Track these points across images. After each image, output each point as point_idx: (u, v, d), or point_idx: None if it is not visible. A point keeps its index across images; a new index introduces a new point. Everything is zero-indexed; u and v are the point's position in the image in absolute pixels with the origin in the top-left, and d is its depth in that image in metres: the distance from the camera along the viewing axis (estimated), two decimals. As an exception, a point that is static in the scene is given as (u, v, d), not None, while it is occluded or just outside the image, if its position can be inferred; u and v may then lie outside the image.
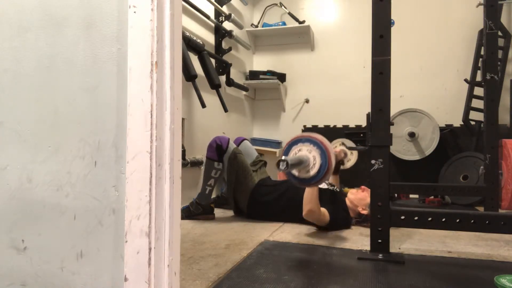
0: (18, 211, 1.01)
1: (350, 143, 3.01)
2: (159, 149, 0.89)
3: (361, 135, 3.59)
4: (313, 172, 1.41)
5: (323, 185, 2.31)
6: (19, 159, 1.02)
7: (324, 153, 1.41)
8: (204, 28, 3.16)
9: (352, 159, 2.99)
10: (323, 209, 2.04)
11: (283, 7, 4.01)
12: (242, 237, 1.94)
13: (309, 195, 1.97)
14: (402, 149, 3.35)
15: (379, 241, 1.61)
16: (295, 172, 1.45)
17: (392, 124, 1.68)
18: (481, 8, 2.78)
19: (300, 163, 1.40)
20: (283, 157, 1.29)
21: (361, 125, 3.73)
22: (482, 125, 3.02)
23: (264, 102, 4.21)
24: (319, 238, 1.94)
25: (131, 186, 0.89)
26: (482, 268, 1.50)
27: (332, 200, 2.19)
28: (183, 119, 2.75)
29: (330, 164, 1.41)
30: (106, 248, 0.93)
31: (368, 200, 2.11)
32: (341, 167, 2.66)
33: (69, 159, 0.97)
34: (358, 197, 2.22)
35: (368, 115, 1.68)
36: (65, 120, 0.98)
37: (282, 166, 1.26)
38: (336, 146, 3.02)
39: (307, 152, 1.43)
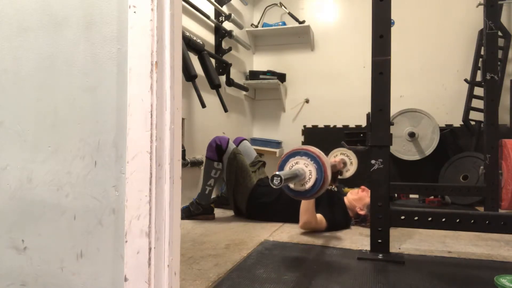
0: (18, 211, 1.01)
1: (352, 155, 3.01)
2: (159, 149, 0.89)
3: (361, 135, 3.59)
4: (308, 185, 1.45)
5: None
6: (19, 159, 1.01)
7: (320, 167, 1.45)
8: (204, 28, 3.16)
9: (351, 169, 2.99)
10: (319, 216, 2.06)
11: (283, 7, 4.01)
12: (242, 237, 1.94)
13: (305, 206, 2.01)
14: (402, 149, 3.35)
15: (379, 241, 1.61)
16: (290, 184, 1.48)
17: (392, 124, 1.68)
18: (481, 8, 2.78)
19: (295, 177, 1.44)
20: (277, 172, 1.31)
21: (361, 125, 3.74)
22: (482, 125, 3.02)
23: (264, 102, 4.21)
24: (319, 238, 1.94)
25: (131, 186, 0.89)
26: (482, 268, 1.50)
27: (330, 200, 2.19)
28: (183, 119, 2.75)
29: (326, 179, 1.45)
30: (106, 248, 0.93)
31: (367, 200, 2.11)
32: (339, 176, 2.67)
33: (69, 159, 0.97)
34: (356, 197, 2.22)
35: (368, 115, 1.68)
36: (65, 120, 0.98)
37: (276, 181, 1.29)
38: (336, 155, 3.01)
39: (304, 166, 1.47)
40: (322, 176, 1.44)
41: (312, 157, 1.47)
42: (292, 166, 1.49)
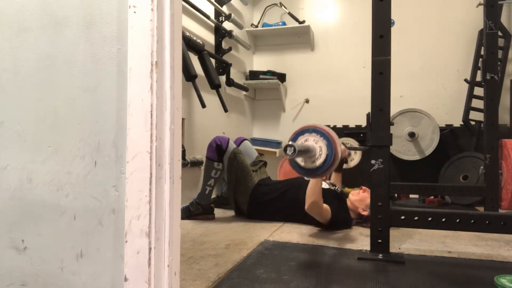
0: (18, 211, 1.01)
1: (355, 143, 3.00)
2: (159, 149, 0.89)
3: (361, 135, 3.59)
4: (319, 162, 1.39)
5: (325, 185, 2.31)
6: (19, 159, 1.01)
7: (330, 143, 1.39)
8: (204, 28, 3.16)
9: (355, 158, 2.98)
10: (325, 205, 2.03)
11: (283, 7, 4.01)
12: (242, 237, 1.94)
13: (313, 188, 1.95)
14: (402, 149, 3.35)
15: (379, 241, 1.61)
16: (300, 162, 1.43)
17: (392, 124, 1.68)
18: (481, 8, 2.78)
19: (307, 151, 1.38)
20: (290, 142, 1.27)
21: (361, 125, 3.73)
22: (482, 125, 3.01)
23: (264, 102, 4.21)
24: (319, 238, 1.94)
25: (131, 186, 0.89)
26: (482, 268, 1.50)
27: (334, 200, 2.19)
28: (183, 119, 2.75)
29: (336, 155, 1.39)
30: (106, 248, 0.93)
31: (369, 200, 2.11)
32: (344, 165, 2.65)
33: (69, 159, 0.97)
34: (358, 198, 2.22)
35: (368, 115, 1.68)
36: (65, 120, 0.98)
37: (290, 151, 1.24)
38: (341, 145, 3.00)
39: (314, 143, 1.41)
40: (333, 152, 1.39)
41: (321, 133, 1.42)
42: (302, 144, 1.43)
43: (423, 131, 3.30)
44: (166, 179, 0.90)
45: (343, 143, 3.03)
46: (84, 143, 0.96)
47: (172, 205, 0.91)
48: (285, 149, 1.26)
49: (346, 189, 2.65)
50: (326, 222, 2.07)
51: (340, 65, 3.93)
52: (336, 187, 2.42)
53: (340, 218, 2.13)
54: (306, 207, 1.99)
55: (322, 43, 4.03)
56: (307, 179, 2.44)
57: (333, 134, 1.43)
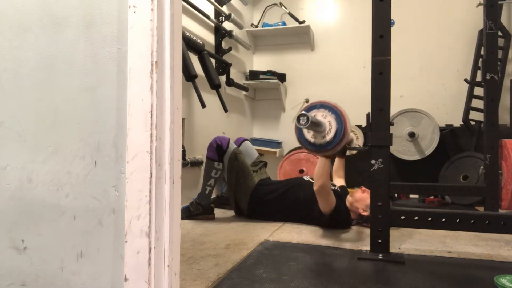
0: (18, 211, 1.01)
1: (360, 133, 2.97)
2: (159, 149, 0.89)
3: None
4: (329, 137, 1.37)
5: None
6: (19, 159, 1.02)
7: (339, 117, 1.37)
8: (204, 28, 3.16)
9: (358, 143, 2.95)
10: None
11: (283, 7, 4.01)
12: (242, 237, 1.94)
13: (321, 169, 1.94)
14: (402, 149, 3.35)
15: (379, 241, 1.61)
16: (311, 138, 1.40)
17: (392, 124, 1.68)
18: (481, 8, 2.78)
19: (319, 125, 1.35)
20: (303, 112, 1.24)
21: (361, 125, 3.73)
22: (482, 125, 3.01)
23: (264, 102, 4.21)
24: (319, 238, 1.94)
25: (131, 186, 0.89)
26: (482, 268, 1.50)
27: (335, 197, 2.19)
28: (183, 119, 2.75)
29: (346, 129, 1.36)
30: (106, 248, 0.93)
31: (368, 201, 2.11)
32: (347, 152, 2.64)
33: (69, 159, 0.97)
34: (358, 199, 2.21)
35: (368, 115, 1.68)
36: (65, 120, 0.98)
37: (303, 121, 1.22)
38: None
39: (322, 118, 1.39)
40: (343, 126, 1.36)
41: (329, 108, 1.39)
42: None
43: (423, 131, 3.30)
44: (166, 179, 0.90)
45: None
46: (84, 143, 0.96)
47: (172, 205, 0.91)
48: (298, 119, 1.23)
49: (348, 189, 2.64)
50: (328, 211, 2.06)
51: (340, 65, 3.93)
52: (336, 187, 2.42)
53: (341, 214, 2.12)
54: (315, 188, 1.97)
55: (322, 43, 4.03)
56: (307, 179, 2.45)
57: (342, 109, 1.40)
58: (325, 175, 1.94)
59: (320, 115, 1.39)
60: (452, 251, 1.73)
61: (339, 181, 2.56)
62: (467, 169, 3.19)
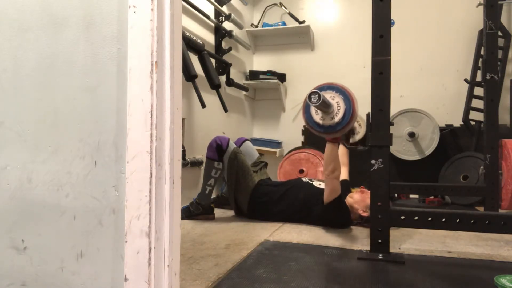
0: (18, 211, 1.01)
1: (363, 121, 2.96)
2: (159, 149, 0.89)
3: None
4: (338, 118, 1.36)
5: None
6: (19, 159, 1.02)
7: (347, 98, 1.36)
8: (204, 28, 3.16)
9: (360, 131, 2.95)
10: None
11: (283, 7, 4.01)
12: (242, 237, 1.94)
13: (330, 154, 1.93)
14: (402, 149, 3.35)
15: (379, 241, 1.61)
16: (319, 120, 1.39)
17: (392, 124, 1.68)
18: (481, 8, 2.78)
19: (328, 105, 1.34)
20: (315, 90, 1.23)
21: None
22: (482, 125, 3.01)
23: (264, 102, 4.21)
24: (319, 238, 1.94)
25: (131, 186, 0.89)
26: (482, 268, 1.50)
27: None
28: (183, 119, 2.75)
29: (354, 109, 1.35)
30: (106, 248, 0.93)
31: (368, 201, 2.10)
32: (351, 139, 2.63)
33: (69, 159, 0.97)
34: (357, 200, 2.21)
35: (368, 115, 1.68)
36: (65, 120, 0.98)
37: (315, 98, 1.20)
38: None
39: (331, 99, 1.38)
40: (351, 106, 1.35)
41: (337, 89, 1.38)
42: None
43: (423, 131, 3.30)
44: (166, 179, 0.90)
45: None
46: (84, 143, 0.96)
47: (172, 205, 0.91)
48: (309, 97, 1.21)
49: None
50: (329, 200, 2.05)
51: (340, 65, 3.92)
52: None
53: (343, 205, 2.13)
54: (326, 173, 1.96)
55: (322, 43, 4.03)
56: (306, 180, 2.45)
57: (350, 90, 1.39)
58: (335, 159, 1.93)
59: (328, 97, 1.38)
60: (452, 251, 1.73)
61: (343, 170, 2.54)
62: (467, 169, 3.19)
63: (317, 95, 1.20)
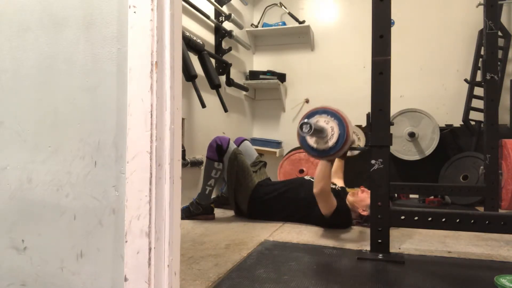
0: (18, 211, 1.01)
1: (360, 132, 2.96)
2: (159, 149, 0.89)
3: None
4: (331, 143, 1.39)
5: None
6: (19, 159, 1.02)
7: (342, 123, 1.38)
8: (204, 28, 3.16)
9: (360, 145, 2.95)
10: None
11: (283, 7, 4.01)
12: (242, 237, 1.94)
13: (322, 173, 1.94)
14: (402, 149, 3.35)
15: (379, 241, 1.61)
16: (313, 144, 1.42)
17: (392, 124, 1.68)
18: (481, 8, 2.78)
19: (321, 130, 1.37)
20: (306, 120, 1.26)
21: (361, 125, 3.73)
22: (482, 125, 3.01)
23: (264, 102, 4.21)
24: (319, 238, 1.94)
25: (131, 186, 0.89)
26: (482, 268, 1.50)
27: (336, 196, 2.18)
28: (183, 119, 2.75)
29: (348, 135, 1.38)
30: (106, 248, 0.93)
31: (368, 201, 2.10)
32: (348, 153, 2.64)
33: (69, 159, 0.97)
34: (357, 199, 2.21)
35: (368, 115, 1.68)
36: (65, 120, 0.98)
37: (306, 128, 1.23)
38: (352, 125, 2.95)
39: (325, 124, 1.40)
40: (345, 131, 1.38)
41: (331, 113, 1.41)
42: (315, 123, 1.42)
43: (423, 131, 3.30)
44: (166, 179, 0.90)
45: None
46: (84, 143, 0.96)
47: (172, 205, 0.91)
48: (301, 127, 1.24)
49: (347, 189, 2.63)
50: (329, 213, 2.06)
51: (340, 65, 3.93)
52: (336, 186, 2.42)
53: (342, 214, 2.12)
54: (315, 190, 1.96)
55: (322, 43, 4.03)
56: (308, 178, 2.45)
57: (344, 114, 1.42)
58: (326, 178, 1.94)
59: (323, 121, 1.41)
60: (452, 251, 1.73)
61: (338, 182, 2.56)
62: (467, 169, 3.19)
63: (308, 126, 1.23)
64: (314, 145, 1.40)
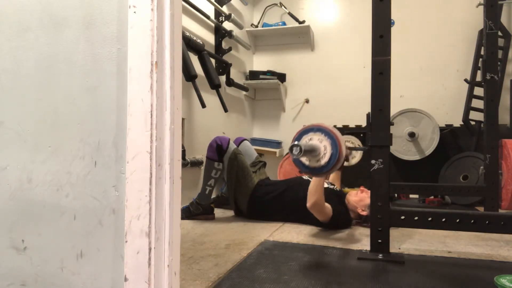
0: (18, 211, 1.01)
1: (357, 141, 2.97)
2: (159, 149, 0.89)
3: (361, 135, 3.59)
4: (323, 161, 1.40)
5: (325, 184, 2.31)
6: (19, 159, 1.02)
7: (335, 142, 1.40)
8: (204, 28, 3.16)
9: (357, 156, 2.96)
10: (326, 204, 2.03)
11: (283, 7, 4.01)
12: (242, 237, 1.94)
13: (315, 187, 1.95)
14: (402, 149, 3.35)
15: (379, 241, 1.61)
16: (305, 161, 1.43)
17: (392, 124, 1.68)
18: (481, 8, 2.78)
19: (312, 150, 1.38)
20: (296, 142, 1.27)
21: (361, 125, 3.73)
22: (482, 125, 3.01)
23: (264, 102, 4.21)
24: (319, 238, 1.94)
25: (131, 186, 0.89)
26: (482, 268, 1.50)
27: (334, 198, 2.19)
28: (183, 119, 2.75)
29: (341, 154, 1.39)
30: (106, 248, 0.93)
31: (368, 201, 2.11)
32: (345, 163, 2.64)
33: (69, 159, 0.97)
34: (357, 199, 2.21)
35: (368, 115, 1.68)
36: (65, 120, 0.98)
37: (296, 151, 1.24)
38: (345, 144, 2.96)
39: (318, 142, 1.42)
40: (337, 151, 1.39)
41: (325, 132, 1.42)
42: (306, 143, 1.44)
43: (423, 131, 3.30)
44: (166, 179, 0.90)
45: (346, 140, 3.01)
46: (84, 143, 0.96)
47: (172, 205, 0.91)
48: (290, 149, 1.26)
49: (346, 189, 2.64)
50: (326, 221, 2.07)
51: (340, 65, 3.93)
52: (335, 186, 2.42)
53: (341, 217, 2.12)
54: (308, 205, 1.98)
55: (322, 43, 4.03)
56: (306, 178, 2.45)
57: (338, 133, 1.44)
58: (319, 192, 1.96)
59: (316, 139, 1.43)
60: (452, 251, 1.73)
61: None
62: (467, 169, 3.19)
63: (298, 148, 1.25)
64: (306, 163, 1.43)
